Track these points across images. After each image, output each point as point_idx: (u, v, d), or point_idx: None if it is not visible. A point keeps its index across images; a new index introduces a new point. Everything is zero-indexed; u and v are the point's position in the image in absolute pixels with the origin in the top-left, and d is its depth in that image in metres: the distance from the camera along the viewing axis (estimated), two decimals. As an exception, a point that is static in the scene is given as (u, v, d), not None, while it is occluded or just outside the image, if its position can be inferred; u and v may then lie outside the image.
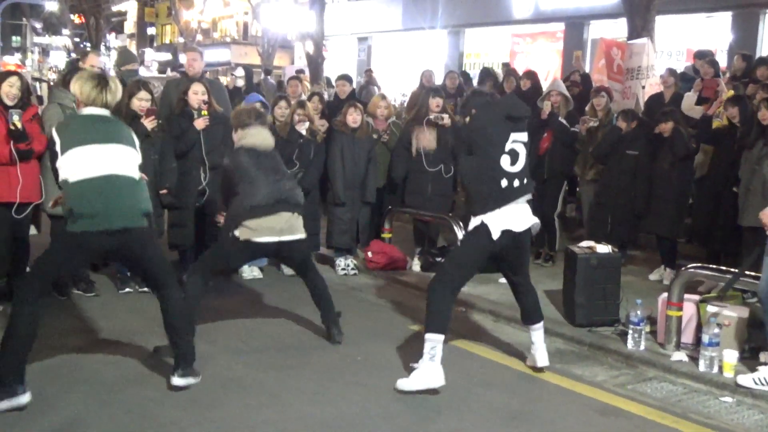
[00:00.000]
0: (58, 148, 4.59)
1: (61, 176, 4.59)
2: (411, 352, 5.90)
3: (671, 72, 10.06)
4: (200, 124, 7.08)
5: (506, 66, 14.20)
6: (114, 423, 4.44)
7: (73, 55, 45.43)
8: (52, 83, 15.24)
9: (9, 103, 6.28)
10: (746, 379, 5.28)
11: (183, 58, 34.71)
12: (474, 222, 5.19)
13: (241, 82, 12.33)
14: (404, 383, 5.03)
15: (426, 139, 8.04)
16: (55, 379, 5.04)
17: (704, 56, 10.84)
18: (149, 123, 6.72)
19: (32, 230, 6.90)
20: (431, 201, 8.22)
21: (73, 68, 7.23)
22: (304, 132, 7.77)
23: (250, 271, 7.80)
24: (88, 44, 36.35)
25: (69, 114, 4.86)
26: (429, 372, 4.98)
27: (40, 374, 5.07)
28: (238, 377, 5.24)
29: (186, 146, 7.13)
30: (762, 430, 4.82)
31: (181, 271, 7.52)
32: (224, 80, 16.35)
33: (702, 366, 5.52)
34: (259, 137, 5.86)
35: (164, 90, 8.61)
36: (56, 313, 6.40)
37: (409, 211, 8.60)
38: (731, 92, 8.35)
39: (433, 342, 4.99)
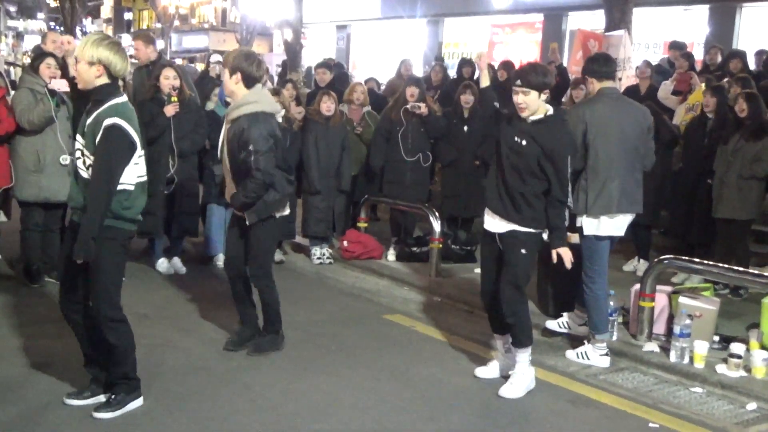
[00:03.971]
0: (137, 145, 4.17)
1: (129, 179, 4.16)
2: (385, 343, 5.91)
3: (647, 64, 10.13)
4: (170, 110, 7.00)
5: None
6: (82, 412, 4.39)
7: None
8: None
9: None
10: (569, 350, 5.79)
11: (161, 44, 34.06)
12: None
13: (218, 68, 12.16)
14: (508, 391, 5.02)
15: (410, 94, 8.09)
16: (26, 366, 5.00)
17: (678, 47, 10.92)
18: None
19: (2, 217, 6.82)
20: (409, 190, 8.22)
21: (40, 53, 7.11)
22: (280, 120, 7.70)
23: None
24: (63, 28, 35.86)
25: (122, 105, 4.17)
26: (530, 375, 5.08)
27: (9, 361, 5.05)
28: (211, 367, 5.21)
29: (156, 133, 7.05)
30: (731, 420, 4.86)
31: (150, 259, 7.50)
32: (200, 67, 16.24)
33: (673, 357, 5.56)
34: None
35: (133, 76, 8.49)
36: (30, 300, 6.35)
37: (385, 200, 8.59)
38: (704, 85, 8.39)
39: (529, 350, 5.09)
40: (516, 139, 4.86)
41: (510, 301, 4.95)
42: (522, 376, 5.03)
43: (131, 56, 7.98)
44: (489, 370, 5.31)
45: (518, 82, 4.81)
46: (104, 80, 4.13)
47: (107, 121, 4.05)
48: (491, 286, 5.15)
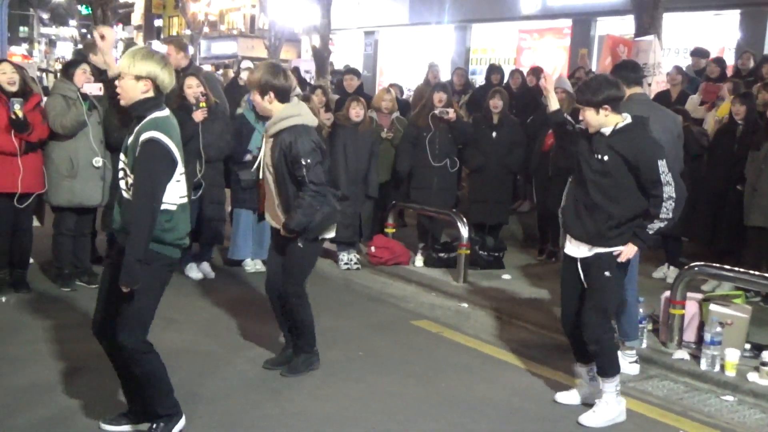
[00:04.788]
0: (179, 162, 3.96)
1: (170, 198, 3.94)
2: (412, 348, 5.91)
3: (678, 70, 10.06)
4: (198, 116, 7.04)
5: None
6: (112, 414, 4.43)
7: (80, 46, 45.32)
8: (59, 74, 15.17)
9: (10, 89, 6.30)
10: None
11: (191, 49, 34.41)
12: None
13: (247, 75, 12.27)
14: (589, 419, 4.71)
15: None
16: (58, 369, 5.07)
17: (701, 54, 10.80)
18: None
19: (35, 222, 6.91)
20: (437, 196, 8.24)
21: (74, 60, 7.20)
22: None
23: (253, 265, 7.80)
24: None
25: (163, 118, 3.96)
26: (617, 407, 4.74)
27: (42, 364, 5.11)
28: (239, 372, 5.24)
29: (185, 139, 7.09)
30: (763, 429, 4.80)
31: (180, 264, 7.54)
32: (230, 72, 16.39)
33: (704, 365, 5.50)
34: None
35: None
36: (62, 304, 6.43)
37: (412, 206, 8.60)
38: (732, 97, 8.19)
39: (617, 380, 4.75)
40: (596, 156, 4.64)
41: (593, 327, 4.68)
42: (606, 405, 4.71)
43: None
44: (570, 396, 5.06)
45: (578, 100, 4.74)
46: (149, 95, 3.93)
47: (145, 135, 3.84)
48: (572, 313, 4.90)
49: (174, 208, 3.96)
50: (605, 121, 4.62)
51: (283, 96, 4.96)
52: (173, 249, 4.03)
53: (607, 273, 4.68)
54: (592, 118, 4.64)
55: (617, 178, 4.59)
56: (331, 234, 5.25)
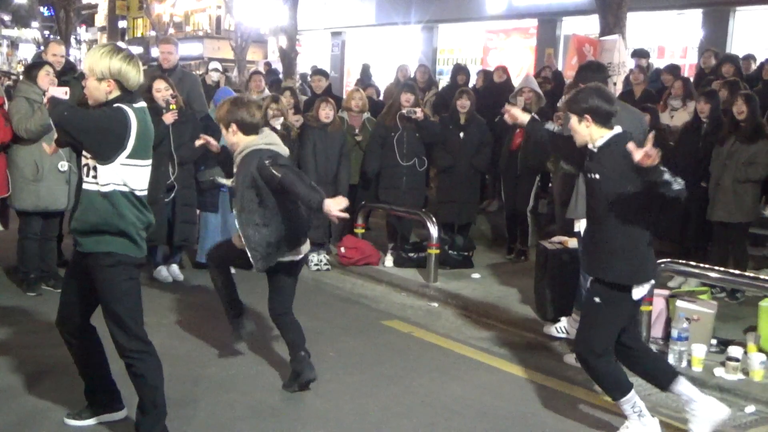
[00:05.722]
0: (130, 145, 3.76)
1: (112, 179, 3.76)
2: (383, 348, 5.92)
3: (641, 69, 10.17)
4: (169, 118, 6.99)
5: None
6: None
7: (42, 48, 44.73)
8: (21, 76, 14.88)
9: None
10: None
11: (156, 52, 34.22)
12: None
13: (216, 76, 12.22)
14: None
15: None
16: (25, 374, 5.00)
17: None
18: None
19: (-1, 226, 6.83)
20: (406, 195, 8.26)
21: (37, 62, 7.11)
22: (278, 127, 7.72)
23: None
24: (58, 37, 35.84)
25: (140, 108, 3.84)
26: (641, 429, 4.44)
27: (8, 369, 5.05)
28: (210, 375, 5.21)
29: (156, 141, 7.04)
30: (729, 423, 4.85)
31: (150, 267, 7.48)
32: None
33: (671, 360, 5.56)
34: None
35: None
36: (28, 309, 6.34)
37: (382, 206, 8.61)
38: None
39: (630, 401, 4.42)
40: (589, 176, 4.33)
41: (581, 357, 4.45)
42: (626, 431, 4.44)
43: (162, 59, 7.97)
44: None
45: None
46: (116, 94, 3.79)
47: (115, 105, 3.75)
48: None
49: (118, 189, 3.77)
50: (587, 132, 4.28)
51: (247, 129, 4.90)
52: (132, 244, 3.85)
53: (596, 299, 4.34)
54: (575, 128, 4.33)
55: (608, 200, 4.22)
56: (294, 257, 5.11)
